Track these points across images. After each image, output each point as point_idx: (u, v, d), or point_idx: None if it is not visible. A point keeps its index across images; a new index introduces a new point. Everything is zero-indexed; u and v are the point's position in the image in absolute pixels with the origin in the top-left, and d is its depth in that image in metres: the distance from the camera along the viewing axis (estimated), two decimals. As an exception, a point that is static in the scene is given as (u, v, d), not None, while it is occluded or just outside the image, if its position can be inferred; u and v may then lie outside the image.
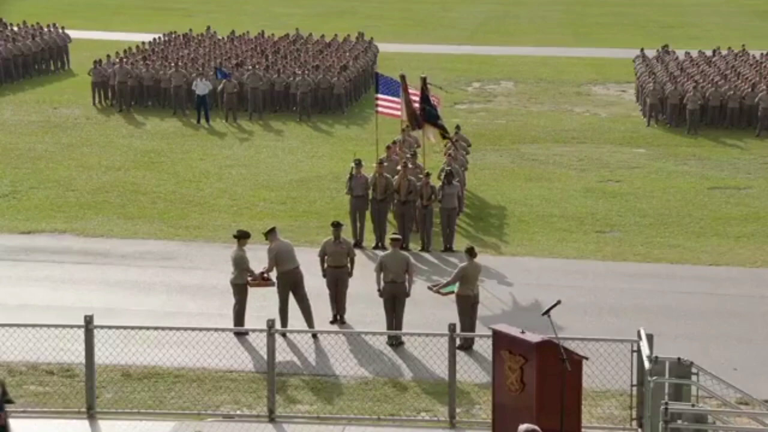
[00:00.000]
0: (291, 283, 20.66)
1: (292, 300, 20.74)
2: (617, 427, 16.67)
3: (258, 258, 22.70)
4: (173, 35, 53.19)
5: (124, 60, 44.89)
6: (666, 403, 13.60)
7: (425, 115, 28.60)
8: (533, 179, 33.91)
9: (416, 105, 28.86)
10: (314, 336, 20.21)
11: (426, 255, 26.18)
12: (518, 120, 43.35)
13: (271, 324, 16.69)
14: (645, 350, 14.96)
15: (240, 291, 20.65)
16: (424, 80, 29.21)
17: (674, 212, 30.36)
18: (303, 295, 20.72)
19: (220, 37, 53.47)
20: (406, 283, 20.34)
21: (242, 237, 20.85)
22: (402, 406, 17.49)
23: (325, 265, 21.21)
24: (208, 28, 55.28)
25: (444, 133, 29.17)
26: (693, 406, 14.28)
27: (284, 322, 20.48)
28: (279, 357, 16.93)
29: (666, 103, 42.13)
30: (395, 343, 20.01)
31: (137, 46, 49.54)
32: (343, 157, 32.91)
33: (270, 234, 20.93)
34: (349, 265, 21.27)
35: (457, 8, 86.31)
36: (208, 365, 18.44)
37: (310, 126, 41.09)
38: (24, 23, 54.41)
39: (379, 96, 30.47)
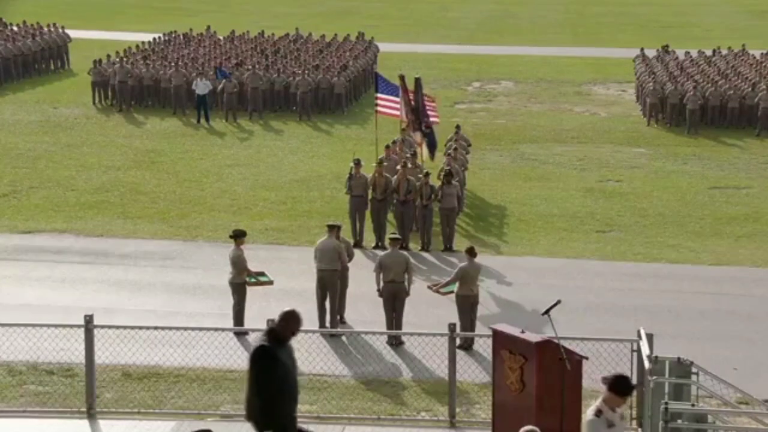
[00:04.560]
0: (318, 281, 20.77)
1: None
2: (617, 427, 16.66)
3: (259, 258, 22.76)
4: (173, 35, 53.20)
5: (124, 60, 44.90)
6: (666, 403, 13.59)
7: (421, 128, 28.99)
8: (533, 179, 33.91)
9: (413, 105, 28.99)
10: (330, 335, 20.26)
11: (426, 255, 26.18)
12: (518, 120, 43.35)
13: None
14: (645, 350, 14.95)
15: (239, 291, 20.65)
16: (417, 81, 29.31)
17: (674, 212, 30.36)
18: (332, 297, 20.84)
19: (220, 37, 53.49)
20: (406, 283, 20.35)
21: (239, 236, 20.85)
22: (402, 406, 17.49)
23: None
24: (208, 28, 55.28)
25: (431, 153, 29.42)
26: (693, 405, 14.27)
27: (320, 322, 20.69)
28: (279, 357, 16.91)
29: (666, 103, 42.14)
30: (395, 343, 20.00)
31: (137, 46, 49.55)
32: (343, 157, 32.90)
33: (328, 230, 21.01)
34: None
35: (457, 8, 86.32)
36: (208, 365, 18.43)
37: (310, 126, 41.10)
38: (24, 23, 54.40)
39: (379, 95, 30.54)
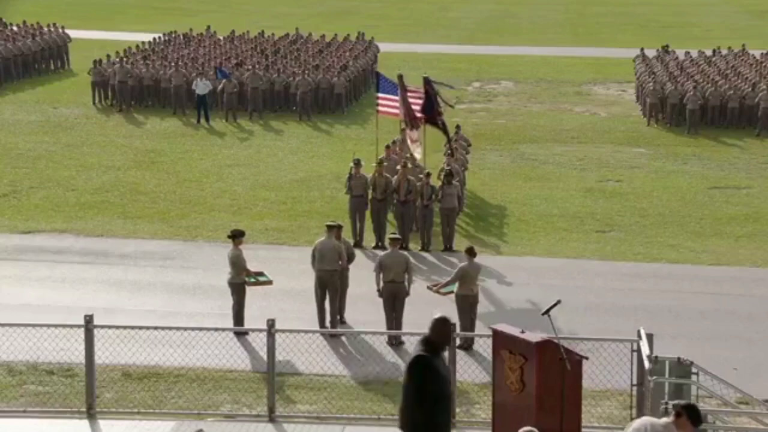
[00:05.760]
0: (318, 281, 20.76)
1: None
2: (617, 427, 16.64)
3: (259, 258, 22.75)
4: (173, 35, 53.20)
5: (124, 60, 44.90)
6: (666, 403, 13.58)
7: (427, 110, 28.58)
8: (533, 179, 33.91)
9: (412, 103, 28.81)
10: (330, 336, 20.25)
11: (426, 255, 26.18)
12: (518, 120, 43.35)
13: (271, 324, 16.68)
14: (645, 350, 14.95)
15: (238, 291, 20.63)
16: (426, 80, 29.21)
17: (674, 212, 30.36)
18: (332, 298, 20.81)
19: (220, 37, 53.49)
20: (406, 283, 20.35)
21: (237, 236, 20.84)
22: (402, 405, 17.45)
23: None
24: (208, 28, 55.28)
25: (445, 136, 29.11)
26: (693, 405, 14.25)
27: (320, 322, 20.71)
28: (279, 357, 16.92)
29: (666, 103, 42.15)
30: (395, 343, 20.00)
31: (137, 46, 49.56)
32: (343, 157, 32.90)
33: (327, 230, 20.98)
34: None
35: (457, 8, 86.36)
36: (208, 365, 18.44)
37: (310, 126, 41.09)
38: (24, 23, 54.39)
39: (380, 95, 30.49)
